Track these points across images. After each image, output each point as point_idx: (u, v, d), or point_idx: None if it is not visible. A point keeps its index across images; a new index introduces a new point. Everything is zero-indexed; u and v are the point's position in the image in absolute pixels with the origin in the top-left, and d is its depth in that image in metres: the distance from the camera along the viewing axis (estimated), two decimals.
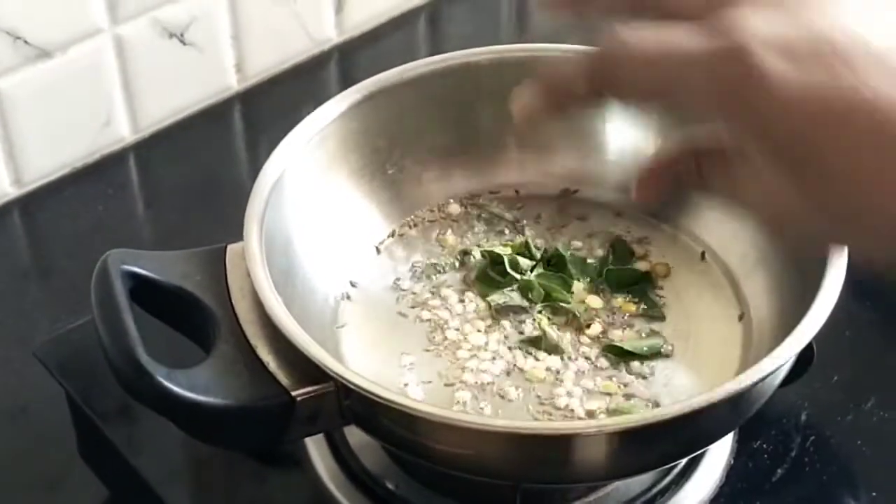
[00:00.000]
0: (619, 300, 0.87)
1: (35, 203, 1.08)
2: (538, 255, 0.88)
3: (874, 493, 0.84)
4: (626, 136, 0.90)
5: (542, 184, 0.92)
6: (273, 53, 1.16)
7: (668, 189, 0.76)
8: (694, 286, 0.87)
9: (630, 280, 0.87)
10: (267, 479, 0.86)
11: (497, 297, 0.86)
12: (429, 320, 0.86)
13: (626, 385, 0.82)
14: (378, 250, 0.89)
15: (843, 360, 0.89)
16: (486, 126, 0.91)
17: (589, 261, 0.88)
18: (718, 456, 0.85)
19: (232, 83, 1.15)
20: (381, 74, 0.89)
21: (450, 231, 0.91)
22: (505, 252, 0.88)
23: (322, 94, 1.15)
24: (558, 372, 0.83)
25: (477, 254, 0.88)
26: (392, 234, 0.90)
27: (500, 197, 0.92)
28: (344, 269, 0.87)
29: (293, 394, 0.75)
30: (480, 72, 0.90)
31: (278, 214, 0.82)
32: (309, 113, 0.87)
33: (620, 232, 0.90)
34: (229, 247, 0.81)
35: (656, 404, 0.81)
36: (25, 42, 1.03)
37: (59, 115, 1.07)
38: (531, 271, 0.87)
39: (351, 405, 0.76)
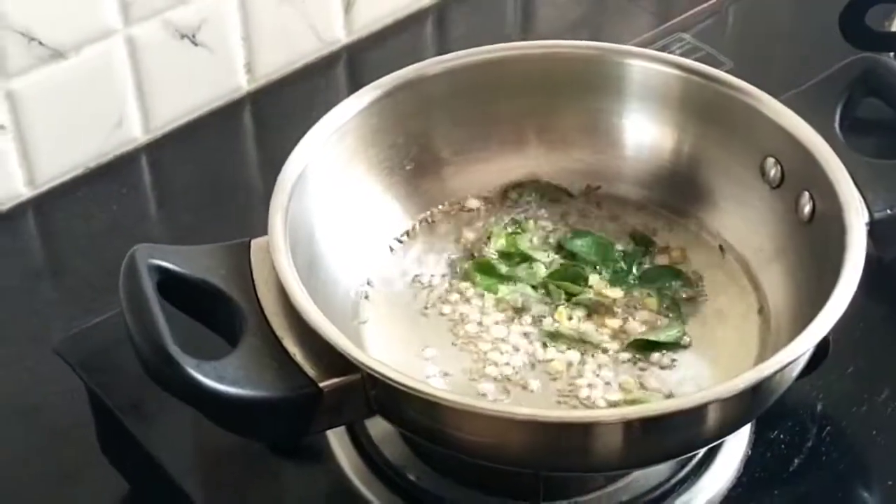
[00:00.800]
0: (638, 292, 0.87)
1: (49, 203, 1.09)
2: (551, 249, 0.89)
3: (890, 483, 0.85)
4: (644, 132, 0.91)
5: (560, 179, 0.93)
6: (283, 54, 1.17)
7: None
8: (712, 279, 0.88)
9: (663, 277, 0.88)
10: (290, 471, 0.86)
11: (506, 292, 0.86)
12: (449, 314, 0.86)
13: (645, 376, 0.83)
14: (397, 245, 0.90)
15: (858, 351, 0.90)
16: (504, 122, 0.92)
17: (615, 248, 0.89)
18: (736, 447, 0.85)
19: (242, 83, 1.16)
20: (399, 71, 0.89)
21: (468, 226, 0.91)
22: (515, 246, 0.89)
23: (331, 93, 1.17)
24: (579, 364, 0.84)
25: (491, 248, 0.89)
26: (412, 229, 0.91)
27: (519, 192, 0.93)
28: (365, 262, 0.88)
29: (320, 385, 0.76)
30: (500, 68, 0.90)
31: (301, 208, 0.83)
32: (319, 113, 0.88)
33: (639, 226, 0.91)
34: (253, 241, 0.82)
35: (675, 395, 0.81)
36: (39, 43, 1.03)
37: (72, 115, 1.07)
38: (546, 268, 0.88)
39: (377, 395, 0.76)
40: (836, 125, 0.89)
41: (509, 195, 0.93)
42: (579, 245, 0.89)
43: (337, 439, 0.86)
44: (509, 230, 0.91)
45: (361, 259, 0.88)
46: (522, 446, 0.76)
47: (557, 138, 0.92)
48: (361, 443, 0.85)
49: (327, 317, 0.77)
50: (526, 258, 0.88)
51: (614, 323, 0.86)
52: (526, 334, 0.85)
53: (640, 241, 0.90)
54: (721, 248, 0.89)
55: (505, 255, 0.89)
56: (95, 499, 0.92)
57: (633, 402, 0.81)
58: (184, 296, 0.79)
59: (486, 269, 0.89)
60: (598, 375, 0.83)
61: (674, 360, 0.84)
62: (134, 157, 1.12)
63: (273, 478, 0.86)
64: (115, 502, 0.91)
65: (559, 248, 0.90)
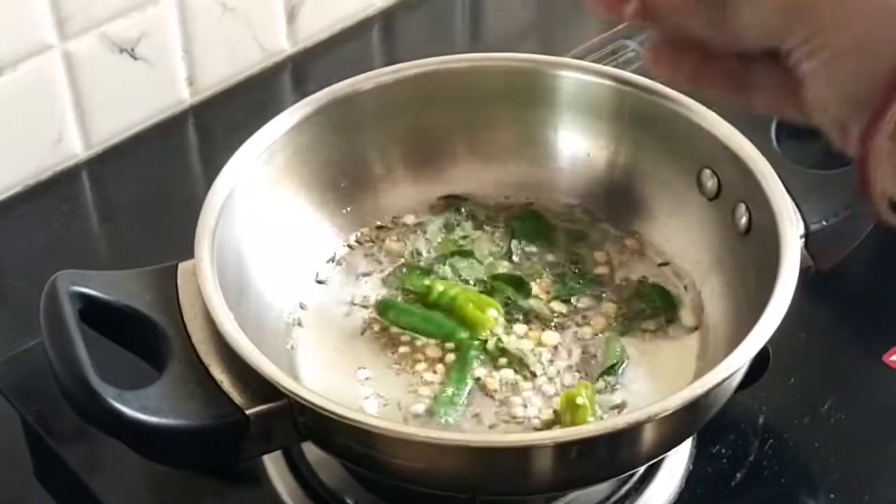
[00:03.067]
0: (579, 306, 0.87)
1: None
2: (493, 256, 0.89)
3: (832, 496, 0.85)
4: (579, 144, 0.90)
5: (496, 192, 0.92)
6: (226, 66, 1.15)
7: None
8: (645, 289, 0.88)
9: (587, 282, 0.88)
10: (226, 497, 0.85)
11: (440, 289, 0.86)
12: (382, 334, 0.85)
13: (585, 394, 0.81)
14: (331, 265, 0.89)
15: (799, 362, 0.90)
16: (438, 136, 0.91)
17: (547, 264, 0.89)
18: (677, 462, 0.85)
19: (185, 97, 1.14)
20: (330, 87, 0.89)
21: (403, 243, 0.90)
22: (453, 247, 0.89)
23: (276, 105, 1.15)
24: (516, 383, 0.83)
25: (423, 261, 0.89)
26: (345, 248, 0.90)
27: (453, 206, 0.92)
28: (297, 284, 0.87)
29: (247, 412, 0.75)
30: (432, 81, 0.90)
31: (230, 231, 0.82)
32: (263, 125, 0.86)
33: (576, 241, 0.90)
34: (180, 265, 0.80)
35: (616, 411, 0.81)
36: None
37: (9, 132, 1.06)
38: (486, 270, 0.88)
39: (305, 421, 0.75)
40: (773, 135, 0.88)
41: (445, 210, 0.92)
42: (521, 227, 0.89)
43: (273, 463, 0.85)
44: (443, 246, 0.90)
45: (294, 281, 0.87)
46: (456, 471, 0.75)
47: (492, 152, 0.91)
48: (298, 466, 0.85)
49: (258, 342, 0.76)
50: (466, 255, 0.88)
51: (553, 339, 0.85)
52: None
53: (576, 253, 0.89)
54: (662, 263, 0.88)
55: (441, 258, 0.88)
56: None
57: (570, 421, 0.80)
58: (107, 322, 0.78)
59: (416, 274, 0.88)
60: (536, 393, 0.82)
61: (613, 377, 0.83)
62: (75, 173, 1.10)
63: (210, 503, 0.85)
64: None
65: (501, 255, 0.89)
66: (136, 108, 1.12)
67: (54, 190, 1.09)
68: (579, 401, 0.78)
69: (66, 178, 1.10)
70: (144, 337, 0.78)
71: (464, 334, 0.84)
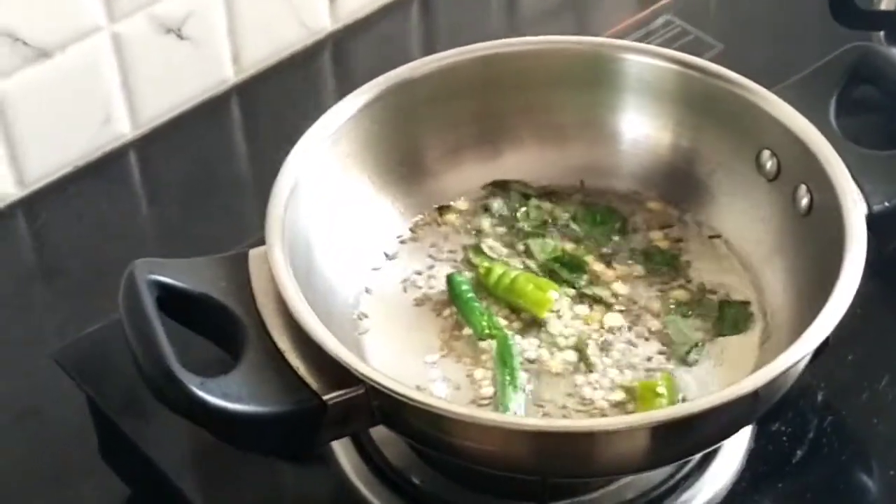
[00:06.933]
0: (641, 289, 0.87)
1: (39, 203, 1.08)
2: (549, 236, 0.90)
3: (891, 472, 0.86)
4: (639, 127, 0.91)
5: (555, 176, 0.93)
6: (269, 44, 1.16)
7: None
8: (711, 273, 0.88)
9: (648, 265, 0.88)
10: (289, 473, 0.86)
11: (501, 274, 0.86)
12: (448, 317, 0.86)
13: (650, 374, 0.83)
14: (393, 249, 0.90)
15: (857, 339, 0.90)
16: (497, 119, 0.91)
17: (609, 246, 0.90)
18: (739, 441, 0.86)
19: (229, 76, 1.15)
20: (390, 72, 0.89)
21: (465, 225, 0.91)
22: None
23: (318, 82, 1.16)
24: (580, 365, 0.83)
25: (486, 246, 0.89)
26: (407, 232, 0.91)
27: (514, 189, 0.92)
28: (362, 269, 0.88)
29: (324, 398, 0.75)
30: (492, 65, 0.90)
31: (296, 217, 0.83)
32: (306, 102, 0.87)
33: (638, 224, 0.91)
34: (251, 251, 0.81)
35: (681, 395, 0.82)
36: (24, 43, 1.02)
37: (59, 114, 1.06)
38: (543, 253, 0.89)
39: (380, 406, 0.76)
40: (832, 116, 0.88)
41: (506, 193, 0.92)
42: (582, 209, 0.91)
43: (338, 441, 0.85)
44: (503, 233, 0.91)
45: (358, 266, 0.88)
46: (528, 455, 0.76)
47: (552, 135, 0.92)
48: (363, 444, 0.85)
49: (327, 328, 0.77)
50: (527, 236, 0.89)
51: (617, 321, 0.85)
52: (524, 334, 0.85)
53: (637, 236, 0.90)
54: (719, 238, 0.89)
55: (502, 239, 0.89)
56: (95, 502, 0.91)
57: (639, 405, 0.81)
58: (184, 310, 0.79)
59: (478, 256, 0.89)
60: (603, 375, 0.83)
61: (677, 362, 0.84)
62: (122, 153, 1.11)
63: (273, 480, 0.86)
64: None
65: (562, 237, 0.90)
66: (182, 88, 1.13)
67: (103, 170, 1.10)
68: (659, 390, 0.79)
69: (115, 159, 1.11)
70: (220, 324, 0.79)
71: (496, 330, 0.84)
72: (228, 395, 0.74)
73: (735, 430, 0.79)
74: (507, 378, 0.82)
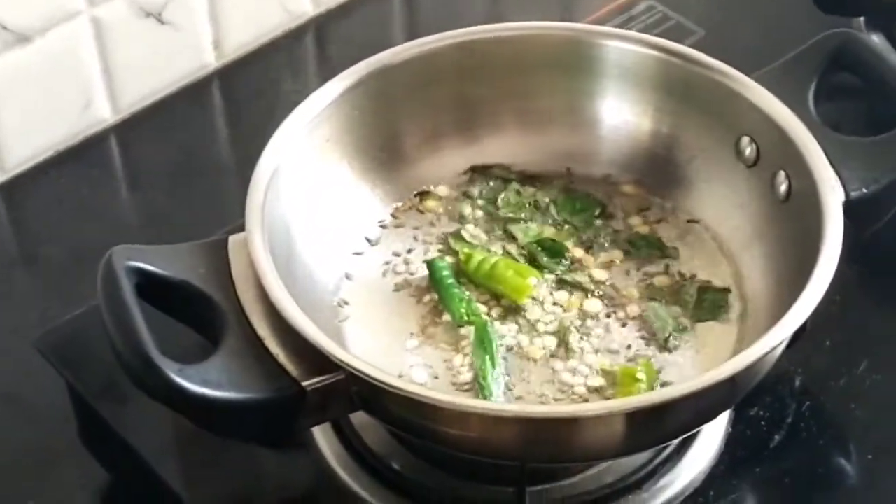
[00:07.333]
0: (620, 274, 0.88)
1: (19, 188, 1.07)
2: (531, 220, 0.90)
3: (869, 456, 0.86)
4: (619, 112, 0.91)
5: (536, 161, 0.93)
6: (250, 29, 1.15)
7: None
8: (691, 259, 0.88)
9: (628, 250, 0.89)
10: (269, 458, 0.86)
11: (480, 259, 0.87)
12: (428, 303, 0.86)
13: (629, 360, 0.83)
14: (374, 235, 0.90)
15: (835, 325, 0.91)
16: (478, 106, 0.91)
17: (588, 232, 0.90)
18: (717, 425, 0.86)
19: (210, 60, 1.14)
20: (371, 58, 0.89)
21: (446, 211, 0.91)
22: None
23: (300, 67, 1.16)
24: (559, 350, 0.84)
25: (468, 234, 0.89)
26: (387, 218, 0.91)
27: (495, 175, 0.92)
28: (342, 255, 0.88)
29: (303, 384, 0.76)
30: (473, 51, 0.90)
31: (277, 203, 0.83)
32: (287, 86, 0.87)
33: (616, 209, 0.91)
34: (231, 238, 0.81)
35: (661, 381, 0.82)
36: (4, 27, 1.02)
37: (39, 98, 1.06)
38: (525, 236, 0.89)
39: (360, 392, 0.76)
40: (811, 102, 0.89)
41: (487, 178, 0.92)
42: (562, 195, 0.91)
43: (318, 427, 0.86)
44: (484, 219, 0.91)
45: (339, 252, 0.88)
46: (507, 441, 0.76)
47: (532, 121, 0.92)
48: (343, 430, 0.86)
49: (307, 314, 0.77)
50: (508, 222, 0.89)
51: (596, 307, 0.86)
52: (503, 320, 0.85)
53: (616, 221, 0.90)
54: (698, 223, 0.89)
55: (483, 225, 0.90)
56: (75, 487, 0.91)
57: (617, 391, 0.81)
58: (163, 297, 0.79)
59: (458, 242, 0.89)
60: (581, 362, 0.83)
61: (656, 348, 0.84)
62: (103, 138, 1.11)
63: (253, 466, 0.86)
64: (95, 491, 0.91)
65: (542, 223, 0.90)
66: (163, 73, 1.12)
67: (84, 155, 1.10)
68: (638, 375, 0.79)
69: (95, 143, 1.10)
70: (199, 310, 0.79)
71: (475, 316, 0.85)
72: (207, 382, 0.74)
73: (713, 415, 0.79)
74: (487, 364, 0.82)
